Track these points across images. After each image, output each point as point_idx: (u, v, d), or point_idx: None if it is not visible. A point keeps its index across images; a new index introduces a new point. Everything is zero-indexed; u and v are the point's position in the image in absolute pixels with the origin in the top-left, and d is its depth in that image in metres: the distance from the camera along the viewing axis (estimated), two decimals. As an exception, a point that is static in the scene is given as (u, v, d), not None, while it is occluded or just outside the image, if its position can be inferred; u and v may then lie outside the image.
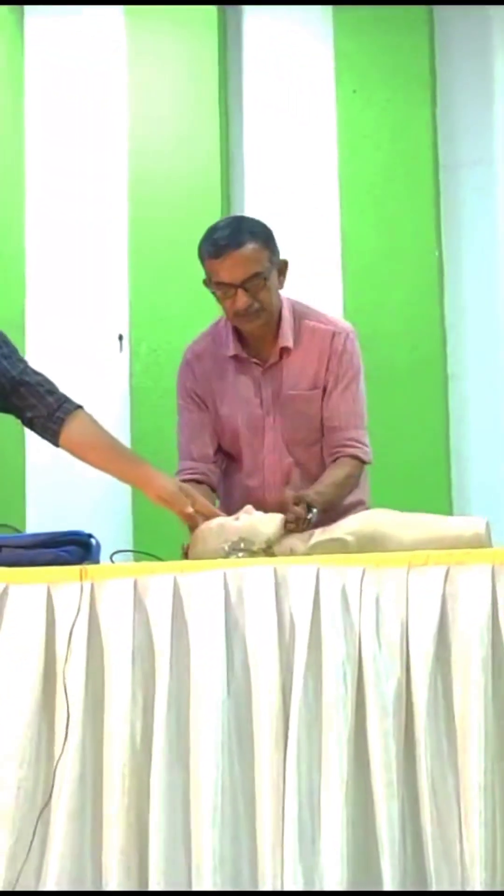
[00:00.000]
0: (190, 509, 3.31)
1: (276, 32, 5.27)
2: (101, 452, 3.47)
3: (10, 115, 5.38)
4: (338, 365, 3.66)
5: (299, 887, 2.58)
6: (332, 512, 3.49)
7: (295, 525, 3.21)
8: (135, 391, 5.17)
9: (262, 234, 3.57)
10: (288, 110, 5.24)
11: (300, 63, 5.23)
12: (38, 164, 5.39)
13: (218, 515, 3.34)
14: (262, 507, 3.39)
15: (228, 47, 5.32)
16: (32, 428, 3.50)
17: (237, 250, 3.50)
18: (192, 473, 3.69)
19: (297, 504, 3.26)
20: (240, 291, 3.51)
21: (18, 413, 3.49)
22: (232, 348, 3.70)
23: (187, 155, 5.22)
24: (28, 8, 5.44)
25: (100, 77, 5.40)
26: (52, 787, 2.75)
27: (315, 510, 3.30)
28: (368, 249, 5.06)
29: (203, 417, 3.73)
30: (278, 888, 2.61)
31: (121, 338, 5.22)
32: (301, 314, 3.70)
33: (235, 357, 3.70)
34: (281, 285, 3.64)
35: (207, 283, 3.59)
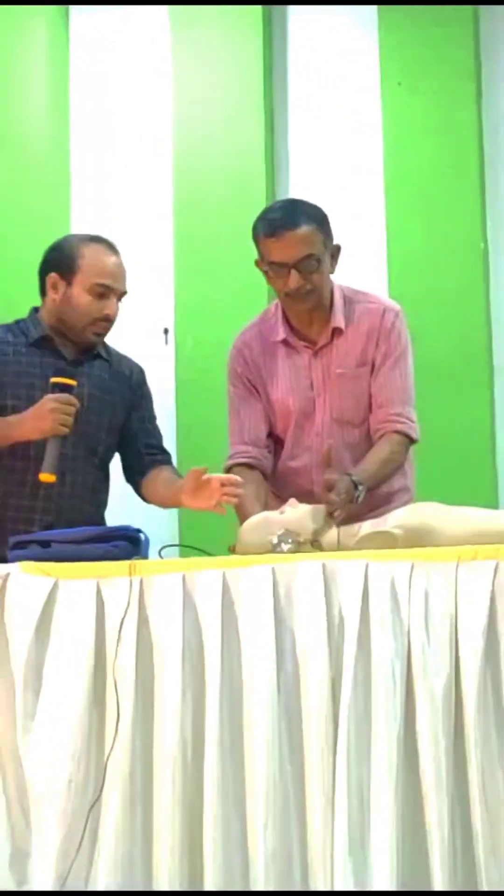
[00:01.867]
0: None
1: (321, 24, 5.25)
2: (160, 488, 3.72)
3: (56, 108, 5.37)
4: (386, 342, 3.66)
5: (349, 883, 2.59)
6: (378, 492, 3.50)
7: (339, 508, 3.18)
8: (180, 384, 5.17)
9: (318, 217, 3.58)
10: (333, 102, 5.21)
11: (345, 55, 5.21)
12: (84, 159, 5.39)
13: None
14: (308, 488, 3.38)
15: (273, 39, 5.30)
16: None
17: (292, 231, 3.51)
18: (244, 457, 3.70)
19: (336, 487, 3.23)
20: (292, 272, 3.52)
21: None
22: (281, 333, 3.70)
23: (232, 148, 5.21)
24: (73, 7, 5.44)
25: (145, 67, 5.39)
26: (103, 782, 2.77)
27: (361, 487, 3.30)
28: (414, 241, 5.03)
29: (255, 402, 3.74)
30: (329, 884, 2.62)
31: (166, 331, 5.22)
32: (351, 298, 3.72)
33: (285, 342, 3.71)
34: (333, 269, 3.64)
35: (260, 262, 3.59)
